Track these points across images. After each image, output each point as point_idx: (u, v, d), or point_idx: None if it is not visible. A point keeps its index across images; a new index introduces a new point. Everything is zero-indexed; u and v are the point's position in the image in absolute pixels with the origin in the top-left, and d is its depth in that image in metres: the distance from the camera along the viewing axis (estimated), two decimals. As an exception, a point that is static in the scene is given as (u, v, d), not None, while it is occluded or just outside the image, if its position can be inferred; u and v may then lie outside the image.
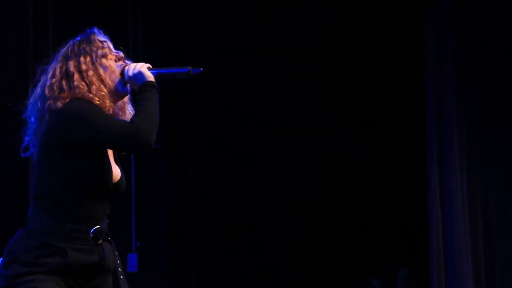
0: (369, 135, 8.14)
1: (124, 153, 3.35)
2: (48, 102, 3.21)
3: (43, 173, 3.18)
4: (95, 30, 3.39)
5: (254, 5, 7.76)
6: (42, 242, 3.09)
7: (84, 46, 3.32)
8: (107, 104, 3.23)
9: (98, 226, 3.19)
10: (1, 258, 3.17)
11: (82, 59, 3.28)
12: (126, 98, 3.38)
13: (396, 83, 7.76)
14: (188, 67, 3.32)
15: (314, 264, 7.96)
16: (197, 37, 7.87)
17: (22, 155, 3.30)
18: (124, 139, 3.12)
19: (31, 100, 3.32)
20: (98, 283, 3.23)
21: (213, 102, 7.70)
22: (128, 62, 3.38)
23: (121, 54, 3.39)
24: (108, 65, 3.31)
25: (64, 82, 3.23)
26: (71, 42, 3.37)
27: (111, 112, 3.25)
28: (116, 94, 3.30)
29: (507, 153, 6.20)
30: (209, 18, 7.81)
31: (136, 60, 3.39)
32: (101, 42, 3.35)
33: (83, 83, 3.22)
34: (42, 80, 3.32)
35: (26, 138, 3.30)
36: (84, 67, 3.26)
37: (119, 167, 3.32)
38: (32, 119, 3.28)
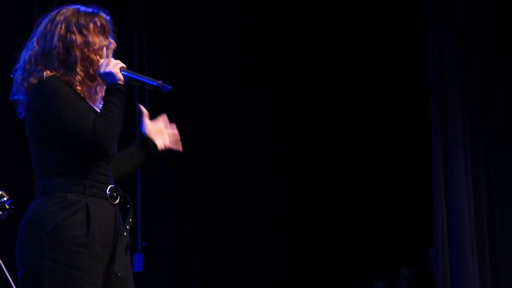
0: (371, 135, 8.12)
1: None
2: (26, 76, 3.19)
3: (37, 149, 3.13)
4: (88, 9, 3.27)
5: (255, 5, 7.74)
6: (64, 200, 3.03)
7: (77, 21, 3.21)
8: (78, 86, 3.15)
9: (113, 185, 3.15)
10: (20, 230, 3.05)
11: (71, 35, 3.18)
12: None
13: (399, 82, 7.76)
14: (158, 82, 3.21)
15: (315, 265, 7.94)
16: (197, 37, 7.84)
17: (19, 116, 3.23)
18: (84, 143, 3.05)
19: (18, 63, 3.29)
20: (114, 249, 3.12)
21: (213, 102, 7.68)
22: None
23: (112, 44, 3.27)
24: (98, 54, 3.20)
25: (44, 57, 3.18)
26: (59, 11, 3.27)
27: (86, 94, 3.17)
28: (90, 79, 3.21)
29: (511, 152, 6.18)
30: (209, 18, 7.79)
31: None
32: (98, 22, 3.23)
33: (66, 61, 3.15)
34: (26, 48, 3.27)
35: (18, 107, 3.24)
36: (72, 44, 3.17)
37: None
38: (15, 87, 3.25)
